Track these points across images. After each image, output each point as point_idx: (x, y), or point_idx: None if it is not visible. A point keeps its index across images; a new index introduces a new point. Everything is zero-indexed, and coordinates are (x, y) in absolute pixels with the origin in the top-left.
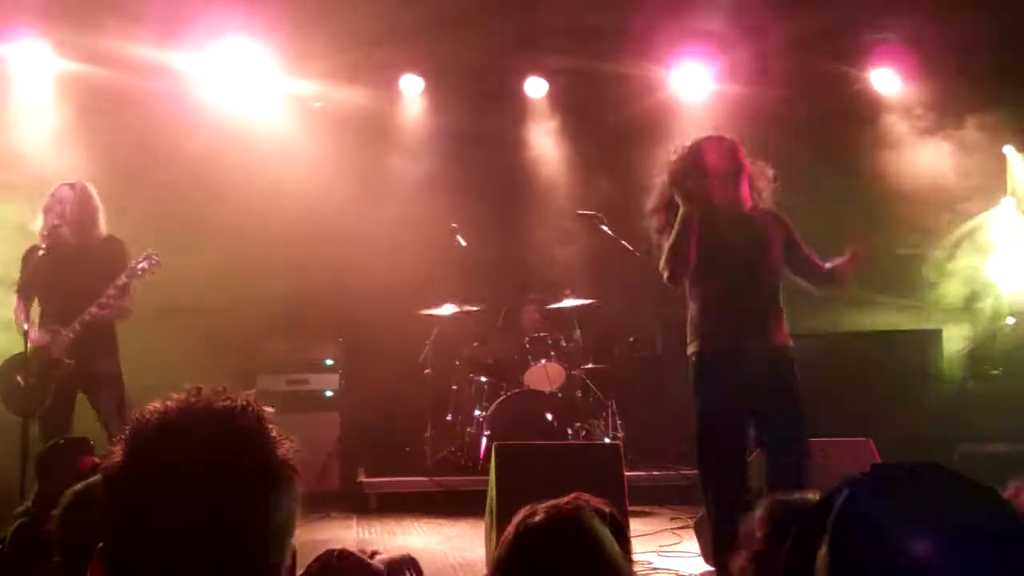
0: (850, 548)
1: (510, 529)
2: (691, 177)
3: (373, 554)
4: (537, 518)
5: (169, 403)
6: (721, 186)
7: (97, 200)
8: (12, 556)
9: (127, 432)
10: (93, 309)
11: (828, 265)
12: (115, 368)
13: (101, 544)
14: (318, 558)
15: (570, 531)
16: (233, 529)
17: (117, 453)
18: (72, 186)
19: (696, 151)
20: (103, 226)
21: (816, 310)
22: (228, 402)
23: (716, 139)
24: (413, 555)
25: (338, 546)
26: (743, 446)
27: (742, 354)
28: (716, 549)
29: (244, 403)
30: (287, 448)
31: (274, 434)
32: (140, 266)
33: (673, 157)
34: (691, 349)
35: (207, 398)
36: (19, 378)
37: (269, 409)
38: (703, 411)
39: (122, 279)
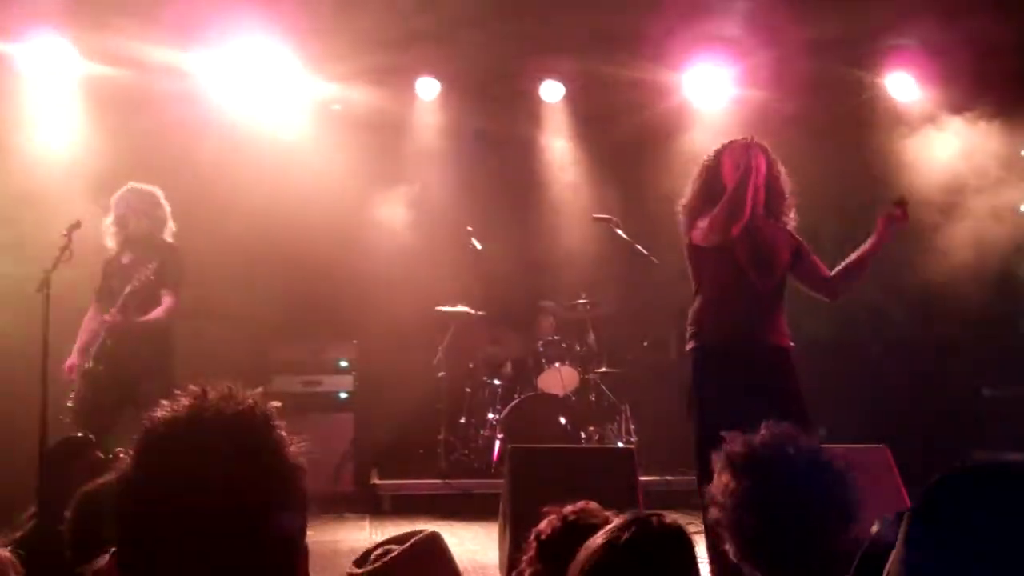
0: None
1: (605, 538)
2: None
3: None
4: (648, 529)
5: (178, 409)
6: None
7: (163, 205)
8: (22, 555)
9: (137, 440)
10: (106, 317)
11: (837, 270)
12: (160, 388)
13: (114, 549)
14: (421, 538)
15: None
16: (245, 535)
17: (127, 460)
18: (139, 191)
19: (718, 156)
20: (169, 231)
21: None
22: (237, 407)
23: (740, 145)
24: None
25: (355, 546)
26: None
27: (740, 351)
28: (710, 548)
29: (252, 407)
30: (295, 450)
31: (282, 436)
32: (139, 279)
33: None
34: (690, 345)
35: (216, 404)
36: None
37: (276, 404)
38: (702, 406)
39: (126, 290)
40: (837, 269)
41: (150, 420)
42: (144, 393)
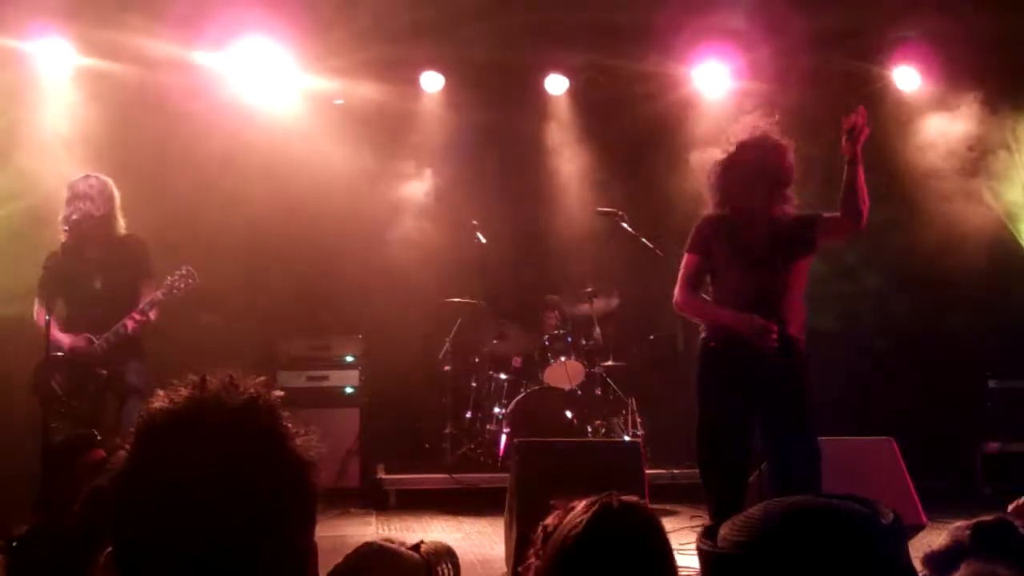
0: None
1: (580, 514)
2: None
3: (418, 544)
4: (615, 504)
5: (177, 399)
6: (752, 188)
7: (116, 194)
8: (26, 551)
9: (135, 431)
10: (129, 323)
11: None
12: (146, 378)
13: (110, 549)
14: (347, 556)
15: (645, 518)
16: (248, 530)
17: (125, 453)
18: (87, 178)
19: (739, 150)
20: (122, 222)
21: None
22: (238, 396)
23: (760, 139)
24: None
25: (361, 541)
26: (745, 444)
27: (741, 346)
28: None
29: (255, 396)
30: (302, 441)
31: (288, 427)
32: (178, 284)
33: (719, 152)
34: (701, 335)
35: (216, 393)
36: (55, 384)
37: (279, 394)
38: (698, 397)
39: (158, 295)
40: (842, 204)
41: (147, 411)
42: (129, 387)
